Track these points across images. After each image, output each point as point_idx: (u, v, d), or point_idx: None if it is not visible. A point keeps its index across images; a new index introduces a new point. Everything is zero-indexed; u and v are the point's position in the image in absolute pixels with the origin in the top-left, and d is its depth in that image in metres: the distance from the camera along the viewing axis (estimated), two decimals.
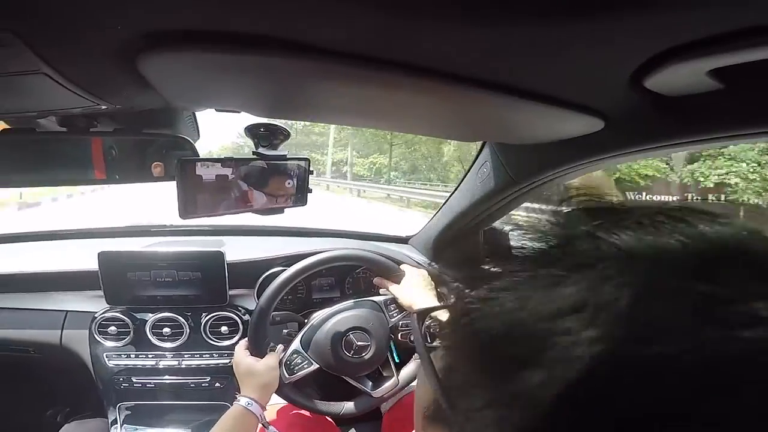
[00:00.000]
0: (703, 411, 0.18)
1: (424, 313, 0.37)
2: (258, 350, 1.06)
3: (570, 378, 0.19)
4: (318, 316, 1.14)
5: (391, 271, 1.18)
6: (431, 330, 0.37)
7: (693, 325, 0.18)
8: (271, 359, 1.04)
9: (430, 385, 0.28)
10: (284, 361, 1.07)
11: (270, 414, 1.16)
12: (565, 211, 0.27)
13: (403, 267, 1.18)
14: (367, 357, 1.10)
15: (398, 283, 1.15)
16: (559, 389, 0.19)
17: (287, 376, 1.06)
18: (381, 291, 1.23)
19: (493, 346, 0.23)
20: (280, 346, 1.09)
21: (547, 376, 0.20)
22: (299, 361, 1.08)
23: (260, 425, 0.97)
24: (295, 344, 1.10)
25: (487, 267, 0.27)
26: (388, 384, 1.14)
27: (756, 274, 0.20)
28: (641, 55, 0.45)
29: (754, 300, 0.19)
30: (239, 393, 1.00)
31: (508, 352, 0.22)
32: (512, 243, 0.26)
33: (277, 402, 1.16)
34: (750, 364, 0.18)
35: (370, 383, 1.14)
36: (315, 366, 1.08)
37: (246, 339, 1.10)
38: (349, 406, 1.12)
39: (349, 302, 1.16)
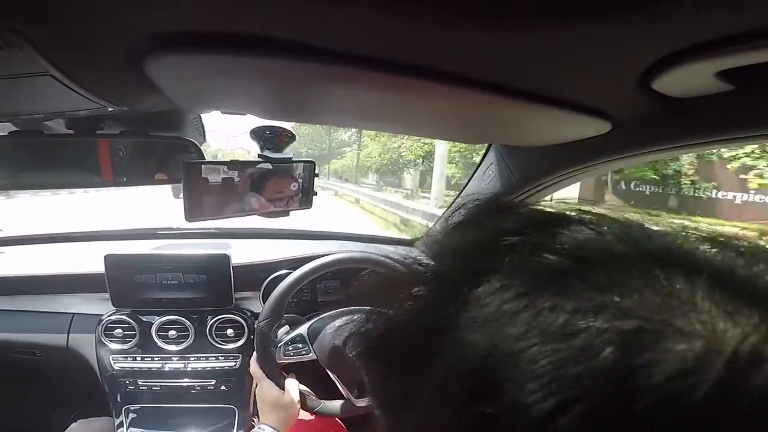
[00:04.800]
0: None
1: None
2: (268, 366, 1.05)
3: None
4: (331, 313, 1.13)
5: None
6: None
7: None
8: (293, 393, 1.05)
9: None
10: (285, 341, 1.06)
11: None
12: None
13: None
14: None
15: None
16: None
17: (281, 356, 1.06)
18: None
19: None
20: (294, 381, 1.08)
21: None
22: (300, 347, 1.07)
23: None
24: (303, 329, 1.09)
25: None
26: None
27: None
28: (649, 57, 0.44)
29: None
30: (257, 419, 1.02)
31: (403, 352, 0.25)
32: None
33: None
34: None
35: (357, 391, 1.12)
36: (311, 356, 1.07)
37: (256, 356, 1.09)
38: (327, 406, 1.10)
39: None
